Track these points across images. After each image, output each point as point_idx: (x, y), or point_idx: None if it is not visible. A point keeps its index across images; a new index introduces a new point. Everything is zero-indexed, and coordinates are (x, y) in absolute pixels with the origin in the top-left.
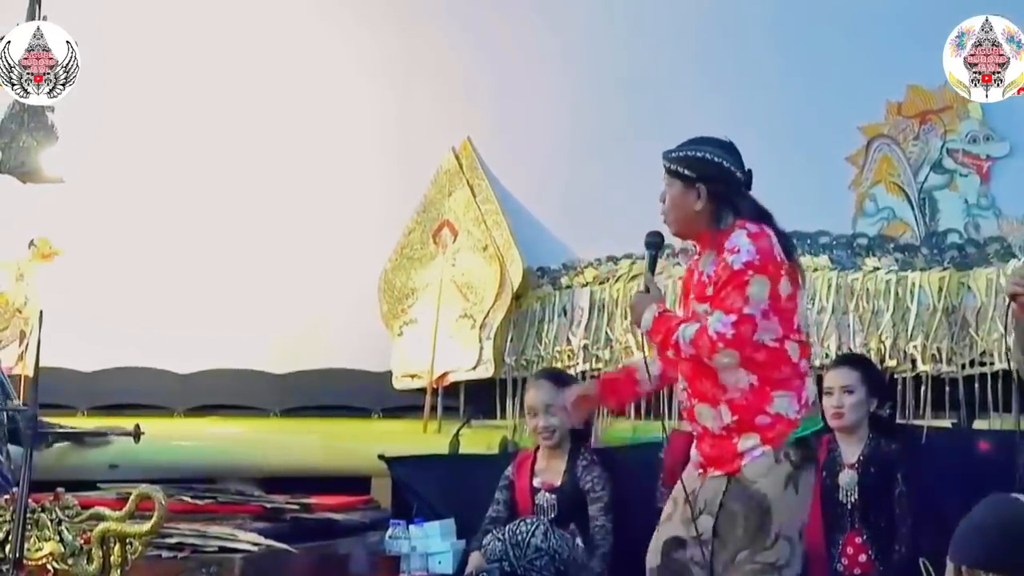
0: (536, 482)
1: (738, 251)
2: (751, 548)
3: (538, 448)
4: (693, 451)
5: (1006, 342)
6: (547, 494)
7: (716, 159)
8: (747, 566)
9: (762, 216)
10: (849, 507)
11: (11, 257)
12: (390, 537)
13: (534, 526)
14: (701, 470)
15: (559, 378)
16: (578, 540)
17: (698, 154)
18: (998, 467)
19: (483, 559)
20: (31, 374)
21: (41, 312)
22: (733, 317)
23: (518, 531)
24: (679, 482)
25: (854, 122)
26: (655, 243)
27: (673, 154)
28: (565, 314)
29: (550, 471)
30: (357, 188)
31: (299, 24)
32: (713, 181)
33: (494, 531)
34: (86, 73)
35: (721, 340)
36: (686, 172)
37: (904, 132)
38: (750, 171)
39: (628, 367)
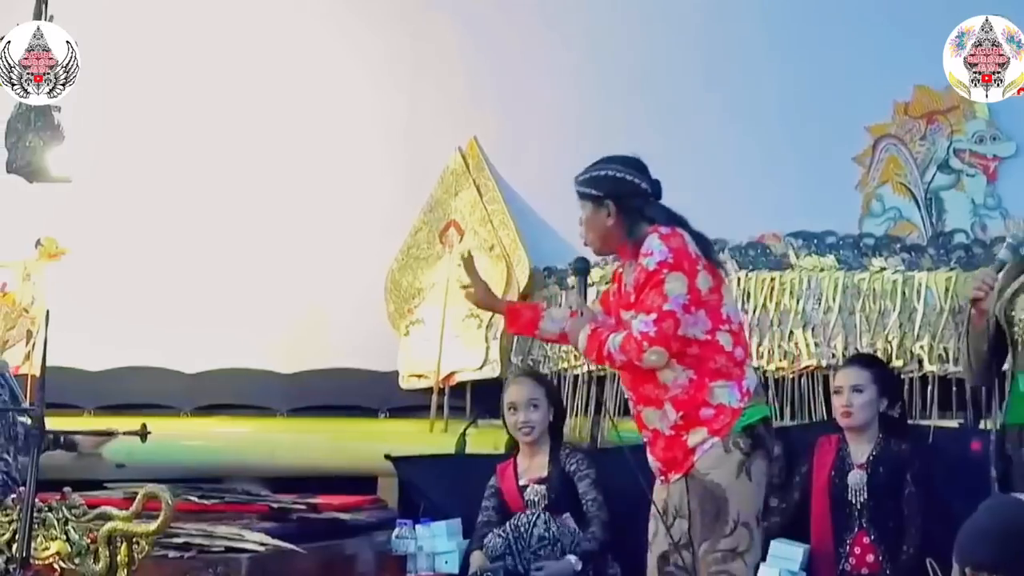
0: (522, 481)
1: (651, 253)
2: (711, 538)
3: (516, 452)
4: (649, 459)
5: (958, 345)
6: (536, 487)
7: (619, 175)
8: (709, 556)
9: (675, 221)
10: (858, 507)
11: (18, 257)
12: (396, 537)
13: (535, 516)
14: (663, 478)
15: (539, 375)
16: (575, 526)
17: (601, 173)
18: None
19: (485, 558)
20: (38, 374)
21: (48, 312)
22: (654, 315)
23: (519, 524)
24: (652, 499)
25: (861, 122)
26: (582, 268)
27: (580, 177)
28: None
29: (534, 466)
30: (364, 188)
31: (305, 25)
32: (620, 196)
33: (494, 530)
34: (94, 73)
35: (646, 339)
36: (593, 192)
37: (911, 132)
38: (657, 181)
39: (538, 305)
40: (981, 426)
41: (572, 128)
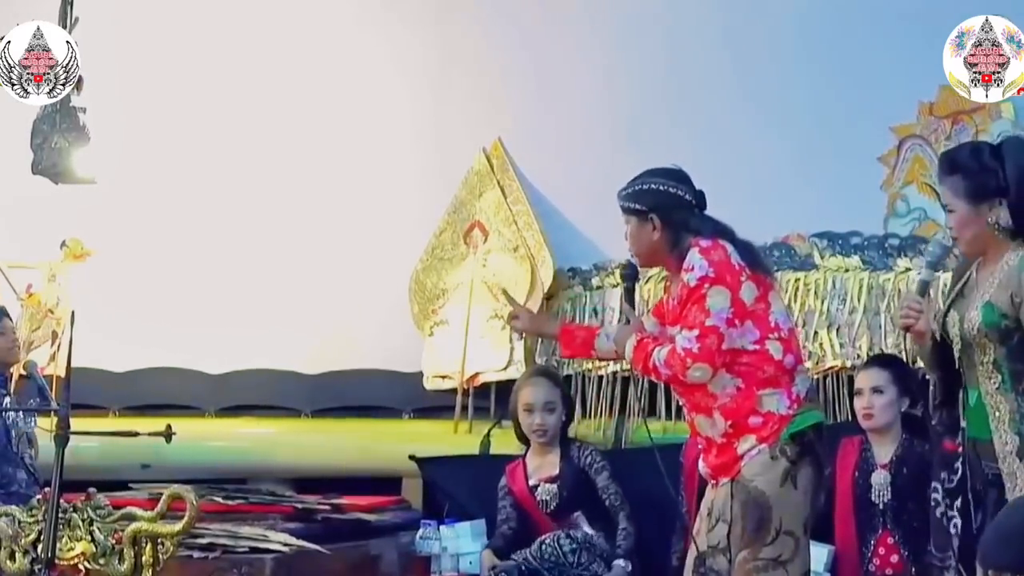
0: (532, 481)
1: (692, 268)
2: (752, 546)
3: (525, 454)
4: (701, 465)
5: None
6: (547, 485)
7: (663, 188)
8: (749, 564)
9: (719, 232)
10: (881, 507)
11: (43, 258)
12: (421, 538)
13: (555, 538)
14: (713, 482)
15: (554, 376)
16: (589, 529)
17: (644, 187)
18: None
19: (494, 557)
20: (63, 375)
21: (73, 313)
22: (696, 331)
23: (545, 552)
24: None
25: (886, 122)
26: (630, 275)
27: (623, 192)
28: (596, 315)
29: (545, 465)
30: (388, 189)
31: (331, 27)
32: (664, 209)
33: (519, 562)
34: (119, 73)
35: (689, 356)
36: (637, 206)
37: (936, 132)
38: (701, 192)
39: (593, 327)
40: None
41: (597, 129)
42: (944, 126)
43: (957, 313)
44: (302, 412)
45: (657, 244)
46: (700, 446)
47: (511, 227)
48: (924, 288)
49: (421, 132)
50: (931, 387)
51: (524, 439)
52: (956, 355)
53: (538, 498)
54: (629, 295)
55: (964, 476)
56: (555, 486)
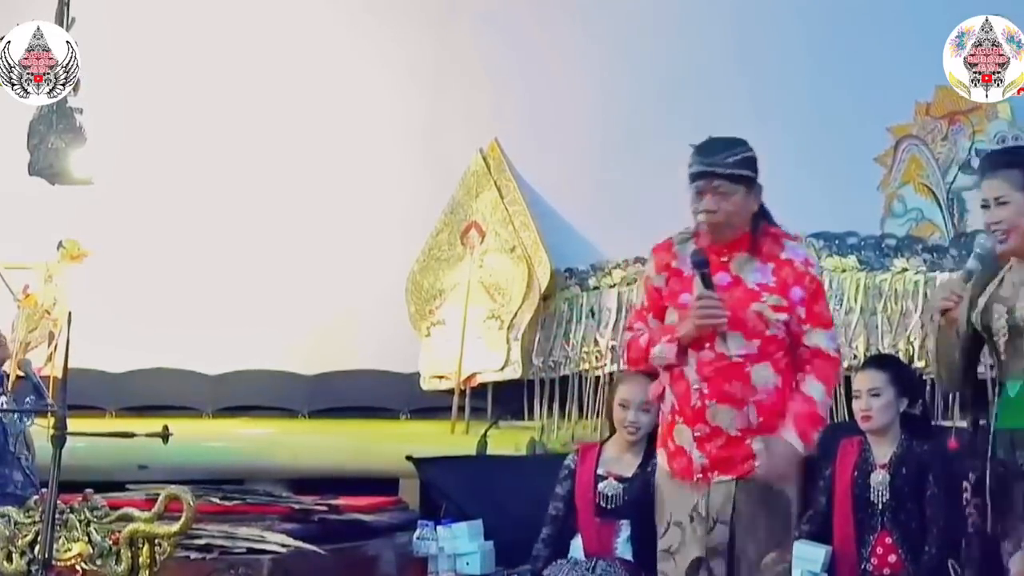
0: (601, 471)
1: (812, 263)
2: (781, 548)
3: (606, 440)
4: (695, 455)
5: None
6: (614, 482)
7: (754, 155)
8: (779, 566)
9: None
10: (880, 507)
11: (40, 258)
12: (418, 538)
13: (611, 567)
14: (699, 476)
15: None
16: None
17: (749, 154)
18: None
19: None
20: (60, 375)
21: (70, 313)
22: (832, 329)
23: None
24: (664, 509)
25: (883, 123)
26: (703, 261)
27: (729, 159)
28: (593, 315)
29: (621, 463)
30: (385, 189)
31: (328, 28)
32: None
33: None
34: (116, 75)
35: (838, 355)
36: (748, 174)
37: (933, 133)
38: None
39: None
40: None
41: (593, 129)
42: (941, 126)
43: (1003, 305)
44: (299, 413)
45: (748, 217)
46: (698, 434)
47: (508, 227)
48: (970, 276)
49: (418, 133)
50: (927, 386)
51: (613, 431)
52: (1000, 347)
53: (600, 490)
54: (707, 281)
55: (983, 473)
56: (622, 487)
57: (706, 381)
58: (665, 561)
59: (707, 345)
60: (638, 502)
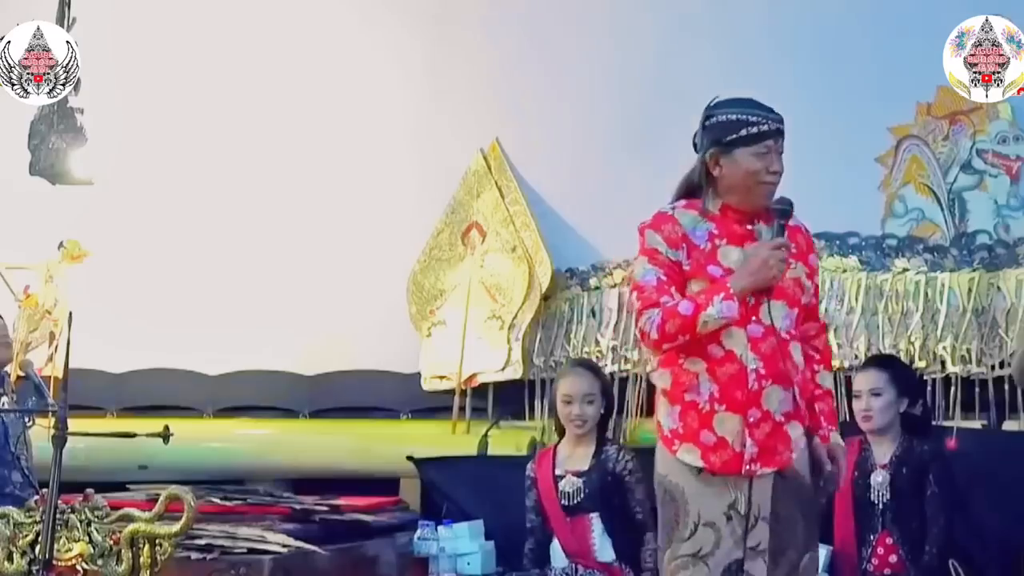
0: (559, 471)
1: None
2: (813, 545)
3: (558, 442)
4: (732, 450)
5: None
6: (573, 478)
7: None
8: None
9: None
10: (880, 507)
11: (41, 259)
12: (419, 538)
13: (573, 569)
14: (747, 468)
15: (596, 369)
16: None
17: None
18: None
19: None
20: (60, 375)
21: (70, 314)
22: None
23: None
24: (689, 510)
25: (884, 123)
26: (787, 212)
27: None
28: (594, 315)
29: (575, 458)
30: (385, 189)
31: (327, 28)
32: None
33: None
34: (117, 75)
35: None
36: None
37: (934, 133)
38: None
39: None
40: (1005, 428)
41: (595, 129)
42: (942, 126)
43: None
44: (300, 413)
45: None
46: (749, 420)
47: (509, 228)
48: None
49: (419, 133)
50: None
51: (562, 431)
52: None
53: (560, 489)
54: (783, 231)
55: None
56: (581, 480)
57: (763, 360)
58: (695, 566)
59: (753, 318)
60: (599, 492)
